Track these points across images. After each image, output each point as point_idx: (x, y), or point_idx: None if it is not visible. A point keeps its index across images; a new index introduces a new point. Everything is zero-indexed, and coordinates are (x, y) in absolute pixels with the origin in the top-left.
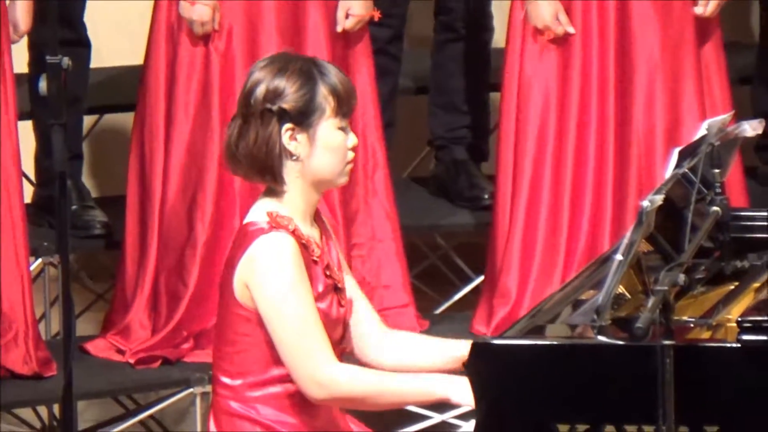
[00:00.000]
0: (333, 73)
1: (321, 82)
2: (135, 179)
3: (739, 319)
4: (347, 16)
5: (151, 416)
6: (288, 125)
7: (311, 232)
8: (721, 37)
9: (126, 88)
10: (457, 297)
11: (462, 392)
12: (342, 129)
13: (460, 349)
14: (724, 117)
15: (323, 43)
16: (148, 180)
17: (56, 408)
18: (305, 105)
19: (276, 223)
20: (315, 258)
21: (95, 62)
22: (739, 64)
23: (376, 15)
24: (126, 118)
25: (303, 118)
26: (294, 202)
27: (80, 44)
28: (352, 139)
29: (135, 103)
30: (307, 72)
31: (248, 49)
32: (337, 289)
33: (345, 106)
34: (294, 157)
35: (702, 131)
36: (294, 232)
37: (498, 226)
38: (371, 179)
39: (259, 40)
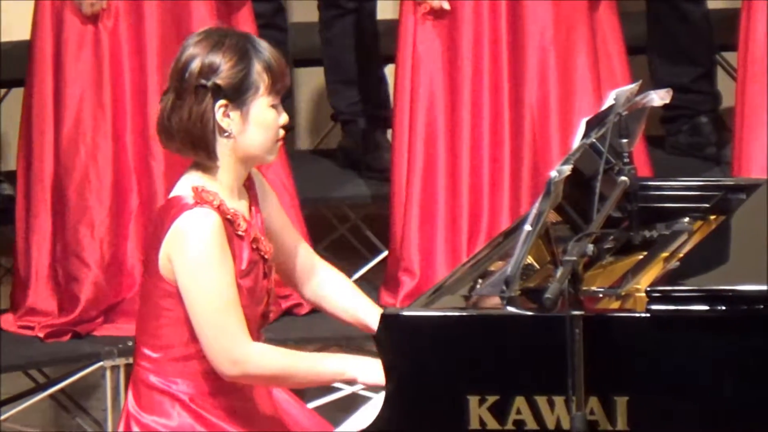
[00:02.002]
0: (267, 50)
1: (256, 59)
2: (23, 157)
3: (648, 288)
4: None
5: (61, 390)
6: (221, 101)
7: (238, 206)
8: (616, 7)
9: None
10: (366, 268)
11: (370, 373)
12: (274, 107)
13: (369, 315)
14: (632, 86)
15: (206, 11)
16: (37, 158)
17: None
18: (240, 82)
19: (201, 198)
20: (240, 233)
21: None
22: (631, 34)
23: None
24: None
25: (237, 95)
26: (222, 176)
27: None
28: (283, 117)
29: None
30: (243, 48)
31: (133, 22)
32: (264, 260)
33: (278, 84)
34: (226, 134)
35: (609, 101)
36: (219, 208)
37: (396, 199)
38: None
39: (143, 12)
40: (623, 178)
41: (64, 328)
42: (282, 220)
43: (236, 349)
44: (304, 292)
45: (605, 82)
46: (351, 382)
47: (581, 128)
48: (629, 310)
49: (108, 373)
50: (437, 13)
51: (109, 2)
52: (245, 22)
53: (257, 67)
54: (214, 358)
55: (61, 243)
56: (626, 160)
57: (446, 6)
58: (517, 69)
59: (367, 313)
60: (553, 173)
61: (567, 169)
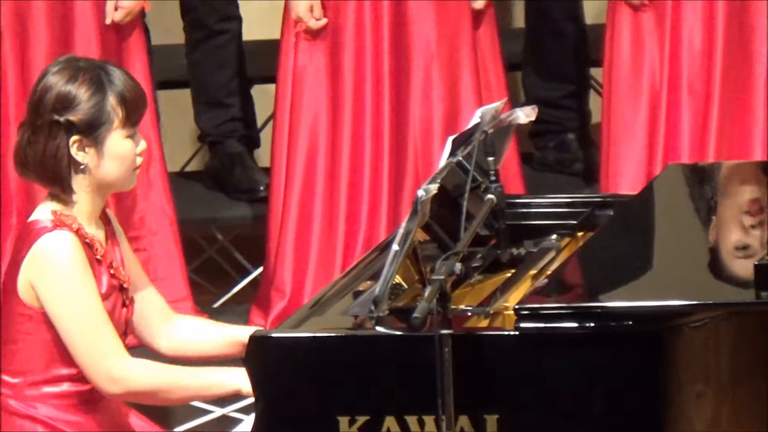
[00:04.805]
0: (122, 81)
1: (110, 92)
2: None
3: (517, 306)
4: (116, 8)
5: None
6: (75, 137)
7: (96, 233)
8: (495, 24)
9: None
10: (235, 290)
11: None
12: (130, 137)
13: (243, 333)
14: (497, 104)
15: (93, 35)
16: None
17: None
18: (93, 117)
19: (60, 221)
20: (99, 257)
21: None
22: (508, 51)
23: (147, 5)
24: None
25: (91, 130)
26: (80, 206)
27: None
28: (141, 145)
29: None
30: (97, 82)
31: (17, 44)
32: (122, 289)
33: (133, 116)
34: (82, 167)
35: (475, 119)
36: (78, 231)
37: (273, 218)
38: (146, 173)
39: (27, 34)
40: (490, 196)
41: None
42: (136, 267)
43: (114, 367)
44: (161, 341)
45: (485, 98)
46: (235, 395)
47: (447, 146)
48: (498, 328)
49: None
50: (318, 31)
51: None
52: (136, 48)
53: (111, 101)
54: (93, 378)
55: None
56: (493, 178)
57: (317, 25)
58: (400, 87)
59: (241, 331)
60: (420, 192)
61: (434, 187)
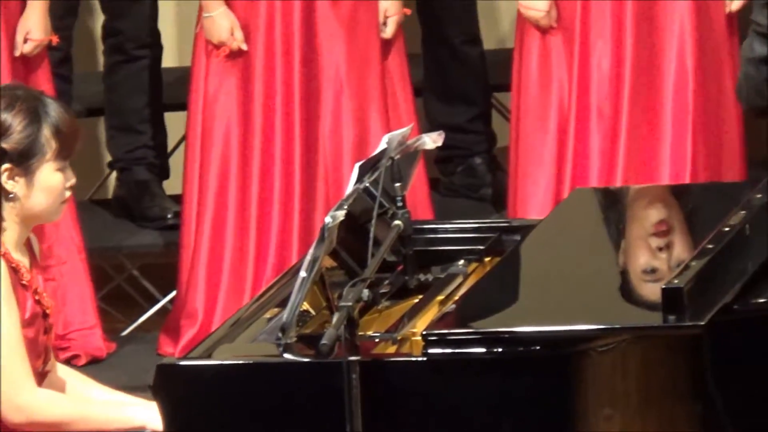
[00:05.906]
0: (58, 114)
1: (45, 124)
2: None
3: (424, 332)
4: (26, 40)
5: None
6: (6, 165)
7: (21, 259)
8: (404, 50)
9: None
10: (143, 318)
11: (158, 419)
12: (61, 170)
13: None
14: (404, 130)
15: (4, 66)
16: None
17: None
18: (26, 147)
19: None
20: (24, 282)
21: None
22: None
23: (54, 39)
24: None
25: (23, 160)
26: (6, 233)
27: None
28: (70, 179)
29: None
30: (33, 112)
31: None
32: (45, 316)
33: (66, 150)
34: (11, 196)
35: (382, 145)
36: (4, 255)
37: (185, 245)
38: None
39: None
40: (397, 222)
41: None
42: None
43: (21, 395)
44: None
45: (393, 125)
46: (140, 430)
47: (354, 173)
48: (406, 354)
49: None
50: (230, 56)
51: None
52: (43, 80)
53: (46, 133)
54: None
55: None
56: (400, 203)
57: (244, 47)
58: (310, 114)
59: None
60: (327, 219)
61: (341, 214)
